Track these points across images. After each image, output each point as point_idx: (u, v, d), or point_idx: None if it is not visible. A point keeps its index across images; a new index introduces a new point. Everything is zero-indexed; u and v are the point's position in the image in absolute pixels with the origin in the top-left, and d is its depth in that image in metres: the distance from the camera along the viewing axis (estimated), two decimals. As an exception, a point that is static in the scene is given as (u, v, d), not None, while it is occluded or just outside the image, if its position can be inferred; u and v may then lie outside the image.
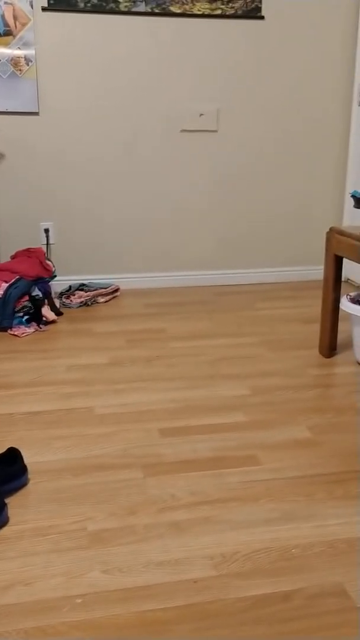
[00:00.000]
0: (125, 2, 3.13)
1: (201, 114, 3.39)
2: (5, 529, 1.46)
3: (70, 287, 3.34)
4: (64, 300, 3.25)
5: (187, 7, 3.18)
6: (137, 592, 1.27)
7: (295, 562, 1.37)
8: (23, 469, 1.63)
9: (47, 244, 3.40)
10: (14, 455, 1.65)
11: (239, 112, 3.44)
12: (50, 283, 3.10)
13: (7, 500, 1.54)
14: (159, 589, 1.28)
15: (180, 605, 1.24)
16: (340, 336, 2.66)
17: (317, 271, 3.79)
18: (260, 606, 1.24)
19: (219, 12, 3.22)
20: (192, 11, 3.20)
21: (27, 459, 1.71)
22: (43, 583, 1.29)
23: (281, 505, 1.57)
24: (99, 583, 1.30)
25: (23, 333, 2.80)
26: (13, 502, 1.55)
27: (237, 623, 1.20)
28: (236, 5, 3.23)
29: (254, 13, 3.26)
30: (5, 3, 3.04)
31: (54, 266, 3.19)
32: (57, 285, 3.31)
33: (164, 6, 3.17)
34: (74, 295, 3.28)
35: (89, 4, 3.11)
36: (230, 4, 3.22)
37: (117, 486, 1.64)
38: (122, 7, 3.14)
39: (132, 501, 1.57)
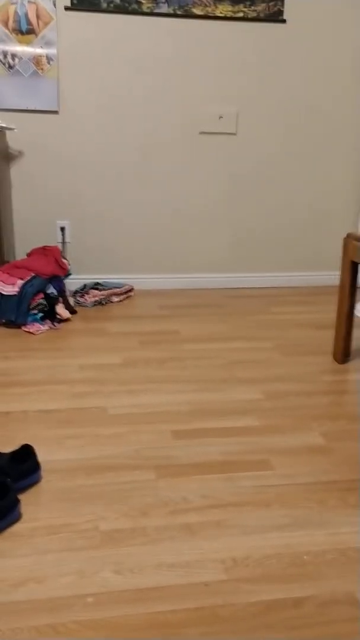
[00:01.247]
0: (148, 3, 3.14)
1: (220, 117, 3.39)
2: (18, 525, 1.47)
3: (85, 285, 3.35)
4: (78, 298, 3.26)
5: (209, 9, 3.19)
6: (148, 593, 1.28)
7: (306, 569, 1.36)
8: (36, 466, 1.64)
9: (63, 242, 3.41)
10: (27, 452, 1.65)
11: (258, 115, 3.43)
12: (65, 281, 3.11)
13: (19, 497, 1.54)
14: (169, 591, 1.28)
15: (191, 608, 1.24)
16: (355, 343, 2.65)
17: (331, 276, 3.78)
18: (270, 612, 1.24)
19: (240, 14, 3.22)
20: (214, 13, 3.20)
21: (40, 456, 1.72)
22: (55, 581, 1.30)
23: (293, 512, 1.57)
24: (110, 583, 1.30)
25: (37, 330, 2.81)
26: (26, 499, 1.56)
27: (247, 628, 1.20)
28: (258, 8, 3.23)
29: (275, 16, 3.26)
30: (29, 2, 3.06)
31: (69, 264, 3.20)
32: (72, 283, 3.32)
33: (186, 8, 3.17)
34: (88, 294, 3.29)
35: (111, 4, 3.12)
36: (253, 7, 3.22)
37: (129, 487, 1.64)
38: (144, 8, 3.14)
39: (144, 502, 1.57)
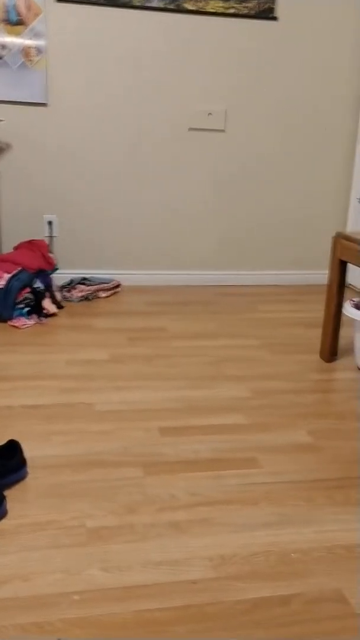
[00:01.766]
0: (139, -3, 3.11)
1: (209, 113, 3.38)
2: (4, 522, 1.45)
3: (71, 280, 3.33)
4: (65, 293, 3.24)
5: (200, 4, 3.17)
6: (136, 591, 1.27)
7: (294, 566, 1.36)
8: (22, 462, 1.62)
9: (50, 236, 3.38)
10: (13, 447, 1.63)
11: (247, 113, 3.43)
12: (51, 276, 3.09)
13: (5, 493, 1.52)
14: (157, 589, 1.27)
15: (179, 606, 1.23)
16: (342, 341, 2.66)
17: (319, 275, 3.79)
18: (258, 609, 1.24)
19: (232, 11, 3.21)
20: (205, 9, 3.19)
21: (27, 452, 1.70)
22: (41, 578, 1.28)
23: (281, 509, 1.57)
24: (97, 580, 1.29)
25: (23, 325, 2.79)
26: (12, 496, 1.54)
27: (236, 626, 1.19)
28: (250, 5, 3.22)
29: (267, 13, 3.25)
30: (19, -8, 3.02)
31: (56, 259, 3.17)
32: (59, 278, 3.30)
33: (178, 2, 3.15)
34: (75, 289, 3.27)
35: (102, -3, 3.09)
36: (244, 4, 3.21)
37: (116, 484, 1.63)
38: (135, 2, 3.12)
39: (131, 500, 1.56)
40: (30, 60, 3.11)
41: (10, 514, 1.48)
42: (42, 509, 1.50)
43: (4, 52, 3.07)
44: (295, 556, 1.39)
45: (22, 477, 1.61)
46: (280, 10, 3.27)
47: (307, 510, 1.57)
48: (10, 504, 1.50)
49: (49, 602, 1.22)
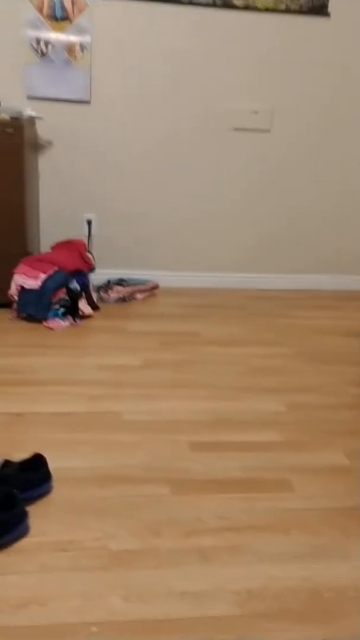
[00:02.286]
0: (186, -8, 3.03)
1: (255, 112, 3.28)
2: (25, 540, 1.40)
3: (109, 281, 3.29)
4: (101, 294, 3.20)
5: (250, 1, 3.06)
6: (156, 625, 1.20)
7: (327, 606, 1.28)
8: (47, 476, 1.57)
9: (89, 235, 3.34)
10: (38, 460, 1.59)
11: (294, 113, 3.31)
12: (88, 276, 3.04)
13: (28, 508, 1.48)
14: (179, 625, 1.21)
15: (201, 644, 1.17)
16: (385, 356, 2.54)
17: (357, 281, 3.67)
18: (286, 654, 1.16)
19: (282, 7, 3.09)
20: (255, 5, 3.08)
21: (51, 463, 1.65)
22: (59, 604, 1.23)
23: (314, 540, 1.48)
24: (117, 610, 1.23)
25: (58, 326, 2.75)
26: (34, 511, 1.49)
27: (261, 671, 1.12)
28: (301, 1, 3.09)
29: (319, 10, 3.13)
30: (64, -13, 2.97)
31: (94, 259, 3.13)
32: (96, 278, 3.26)
33: (225, -2, 3.06)
34: (111, 289, 3.22)
35: (148, -7, 3.02)
36: (296, 0, 3.09)
37: (141, 502, 1.57)
38: (182, -2, 3.04)
39: (156, 520, 1.50)
40: (74, 57, 3.06)
41: (31, 531, 1.43)
42: (63, 527, 1.45)
43: (48, 49, 3.03)
44: (328, 595, 1.31)
45: (46, 492, 1.56)
46: (333, 6, 3.14)
47: (343, 542, 1.48)
48: (32, 520, 1.46)
49: (67, 632, 1.17)
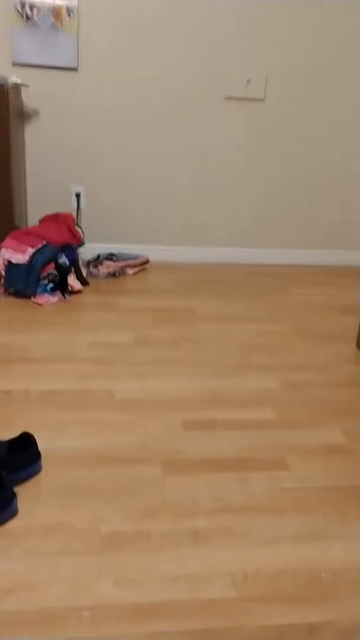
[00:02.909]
0: None
1: (248, 80, 3.18)
2: (13, 522, 1.36)
3: (98, 256, 3.21)
4: (91, 269, 3.13)
5: None
6: (150, 609, 1.17)
7: (323, 589, 1.25)
8: (36, 456, 1.52)
9: (78, 209, 3.25)
10: (26, 440, 1.54)
11: (288, 82, 3.21)
12: (78, 251, 2.97)
13: (17, 489, 1.44)
14: (172, 608, 1.17)
15: (197, 629, 1.13)
16: (381, 332, 2.49)
17: (356, 256, 3.61)
18: (283, 638, 1.13)
19: (278, -30, 2.97)
20: (248, -33, 2.96)
21: (41, 443, 1.61)
22: (48, 590, 1.19)
23: (310, 520, 1.45)
24: (108, 595, 1.19)
25: (46, 302, 2.69)
26: (23, 492, 1.45)
27: (257, 657, 1.09)
28: None
29: (315, -27, 3.01)
30: None
31: (83, 233, 3.05)
32: (85, 253, 3.18)
33: None
34: (101, 264, 3.15)
35: None
36: None
37: (133, 483, 1.52)
38: None
39: (149, 502, 1.46)
40: (61, 22, 2.94)
41: (20, 513, 1.39)
42: (53, 509, 1.41)
43: (33, 12, 2.90)
44: (325, 577, 1.28)
45: (35, 472, 1.52)
46: (329, -31, 3.02)
47: (339, 523, 1.45)
48: (21, 502, 1.41)
49: (56, 617, 1.13)
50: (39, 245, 2.75)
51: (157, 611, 1.16)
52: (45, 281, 2.74)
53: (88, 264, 3.15)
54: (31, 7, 2.89)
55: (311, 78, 3.21)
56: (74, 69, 3.03)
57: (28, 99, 3.04)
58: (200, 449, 1.70)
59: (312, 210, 3.50)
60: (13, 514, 1.37)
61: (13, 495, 1.38)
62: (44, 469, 1.55)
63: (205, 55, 3.09)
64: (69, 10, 2.93)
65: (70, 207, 3.24)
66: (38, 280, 2.71)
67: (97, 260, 3.17)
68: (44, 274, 2.73)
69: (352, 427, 1.88)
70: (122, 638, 1.10)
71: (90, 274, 3.10)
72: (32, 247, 2.74)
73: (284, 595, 1.23)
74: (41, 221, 3.03)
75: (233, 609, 1.18)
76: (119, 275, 3.16)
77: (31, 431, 1.66)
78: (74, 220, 3.03)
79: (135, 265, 3.24)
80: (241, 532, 1.39)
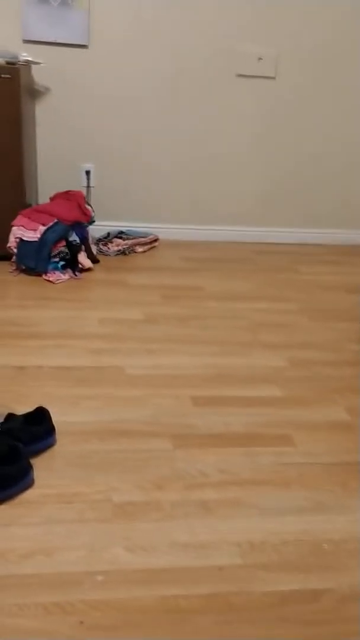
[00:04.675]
0: None
1: (260, 58, 3.16)
2: (30, 492, 1.42)
3: (108, 234, 3.24)
4: (101, 247, 3.16)
5: None
6: (160, 574, 1.23)
7: (326, 558, 1.31)
8: (50, 430, 1.58)
9: (88, 186, 3.27)
10: (41, 414, 1.60)
11: (299, 59, 3.19)
12: (88, 228, 3.00)
13: (33, 461, 1.50)
14: (182, 574, 1.24)
15: (204, 593, 1.20)
16: (387, 311, 2.53)
17: (366, 237, 3.62)
18: (286, 604, 1.19)
19: None
20: None
21: (54, 417, 1.66)
22: (64, 555, 1.26)
23: (314, 494, 1.50)
24: (121, 560, 1.26)
25: (57, 279, 2.73)
26: (39, 464, 1.51)
27: (262, 619, 1.15)
28: None
29: None
30: None
31: (93, 211, 3.08)
32: (95, 230, 3.21)
33: None
34: (111, 242, 3.18)
35: None
36: None
37: (144, 456, 1.58)
38: None
39: (159, 474, 1.52)
40: (72, -4, 2.92)
41: (36, 483, 1.45)
42: (68, 480, 1.47)
43: (44, -13, 2.89)
44: (327, 547, 1.33)
45: (50, 445, 1.58)
46: None
47: (342, 496, 1.50)
48: (37, 473, 1.48)
49: (72, 581, 1.20)
50: (50, 223, 2.79)
51: (166, 576, 1.23)
52: (56, 259, 2.77)
53: (98, 241, 3.18)
54: (42, -18, 2.88)
55: (323, 56, 3.19)
56: (85, 46, 3.02)
57: (39, 76, 3.04)
58: (208, 424, 1.75)
59: (320, 189, 3.50)
60: (30, 484, 1.44)
61: (29, 467, 1.44)
62: (58, 442, 1.61)
63: (217, 32, 3.07)
64: (79, -14, 2.91)
65: (80, 185, 3.26)
66: (49, 257, 2.75)
67: (107, 238, 3.20)
68: (55, 251, 2.77)
69: (357, 405, 1.93)
70: (134, 600, 1.16)
71: (100, 251, 3.14)
72: (43, 224, 2.78)
73: (288, 563, 1.29)
74: (52, 199, 3.06)
75: (239, 576, 1.24)
76: (129, 253, 3.19)
77: (45, 405, 1.72)
78: (84, 197, 3.05)
79: (144, 244, 3.27)
80: (248, 504, 1.45)
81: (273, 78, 3.21)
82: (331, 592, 1.22)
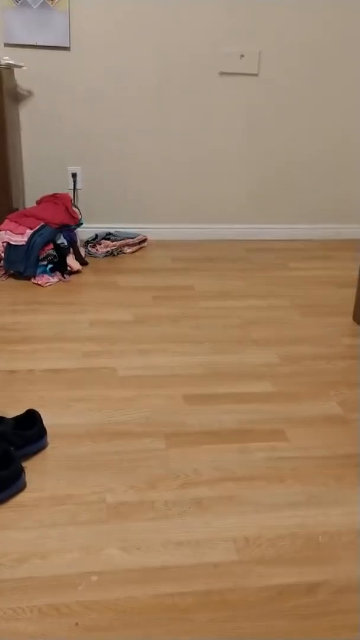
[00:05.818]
0: None
1: (242, 56, 3.17)
2: (22, 495, 1.41)
3: (96, 235, 3.23)
4: (89, 249, 3.15)
5: None
6: (155, 573, 1.23)
7: (321, 551, 1.30)
8: (42, 432, 1.57)
9: (74, 189, 3.27)
10: (32, 417, 1.59)
11: (281, 55, 3.20)
12: (76, 231, 2.99)
13: (24, 464, 1.49)
14: (177, 572, 1.23)
15: (200, 590, 1.19)
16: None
17: (354, 229, 3.63)
18: (283, 598, 1.19)
19: None
20: None
21: (46, 420, 1.66)
22: (59, 557, 1.25)
23: (308, 488, 1.50)
24: (116, 561, 1.25)
25: (46, 283, 2.72)
26: (30, 467, 1.50)
27: (258, 615, 1.15)
28: None
29: None
30: None
31: (80, 213, 3.07)
32: (83, 233, 3.20)
33: None
34: (100, 244, 3.17)
35: None
36: None
37: (138, 456, 1.58)
38: None
39: (153, 474, 1.51)
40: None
41: (29, 486, 1.44)
42: (61, 482, 1.46)
43: (24, -9, 2.88)
44: (322, 540, 1.33)
45: (41, 448, 1.57)
46: None
47: (336, 490, 1.50)
48: (29, 476, 1.47)
49: (67, 583, 1.19)
50: (37, 227, 2.78)
51: (162, 575, 1.22)
52: (45, 262, 2.77)
53: (86, 243, 3.17)
54: (22, -14, 2.87)
55: (306, 53, 3.20)
56: (67, 48, 3.01)
57: (22, 79, 3.03)
58: (201, 421, 1.75)
59: (309, 184, 3.51)
60: (22, 487, 1.43)
61: (21, 470, 1.43)
62: (50, 444, 1.60)
63: (199, 30, 3.07)
64: (60, -12, 2.91)
65: (67, 188, 3.25)
66: (37, 261, 2.74)
67: (95, 240, 3.19)
68: (43, 254, 2.76)
69: (349, 398, 1.93)
70: (129, 599, 1.15)
71: (88, 253, 3.13)
72: (31, 228, 2.77)
73: (283, 557, 1.28)
74: (38, 202, 3.05)
75: (235, 571, 1.24)
76: (117, 254, 3.19)
77: (37, 409, 1.71)
78: (71, 200, 3.05)
79: (133, 244, 3.27)
80: (242, 500, 1.44)
81: (256, 75, 3.22)
82: (327, 584, 1.22)
